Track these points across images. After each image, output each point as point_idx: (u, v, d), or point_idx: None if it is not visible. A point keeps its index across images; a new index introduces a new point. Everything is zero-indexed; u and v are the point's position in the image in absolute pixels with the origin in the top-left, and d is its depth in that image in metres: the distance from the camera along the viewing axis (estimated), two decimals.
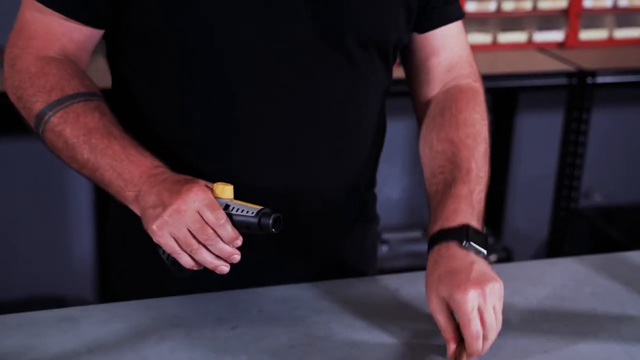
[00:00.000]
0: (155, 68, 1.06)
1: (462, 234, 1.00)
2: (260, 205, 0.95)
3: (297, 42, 1.04)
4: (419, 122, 1.18)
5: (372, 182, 1.22)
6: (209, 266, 0.95)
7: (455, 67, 1.16)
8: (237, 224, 0.95)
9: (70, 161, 1.03)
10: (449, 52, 1.16)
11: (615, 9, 2.56)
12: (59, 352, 0.97)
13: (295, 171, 1.07)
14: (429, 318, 1.06)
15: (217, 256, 0.95)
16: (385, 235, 2.50)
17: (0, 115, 2.23)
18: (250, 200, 0.96)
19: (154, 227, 0.94)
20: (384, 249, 2.46)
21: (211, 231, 0.93)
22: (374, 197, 1.24)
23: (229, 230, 0.93)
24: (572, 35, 2.52)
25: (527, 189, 2.75)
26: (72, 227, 2.43)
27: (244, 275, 1.13)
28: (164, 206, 0.94)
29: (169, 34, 1.03)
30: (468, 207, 1.03)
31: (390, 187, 2.64)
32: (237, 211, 0.95)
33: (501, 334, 1.03)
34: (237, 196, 0.97)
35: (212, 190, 0.95)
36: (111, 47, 1.11)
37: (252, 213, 0.94)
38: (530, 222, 2.76)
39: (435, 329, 1.04)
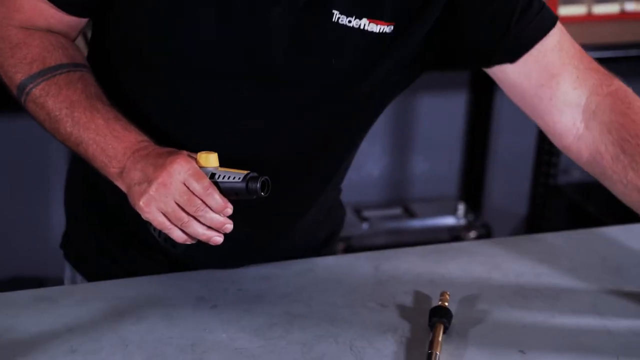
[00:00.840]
0: (140, 70, 1.04)
1: None
2: (247, 170, 0.93)
3: (278, 78, 1.00)
4: (579, 161, 1.06)
5: (336, 193, 1.21)
6: (202, 238, 0.93)
7: (582, 80, 1.02)
8: (225, 192, 0.93)
9: (54, 133, 1.02)
10: (561, 66, 1.01)
11: None
12: (37, 333, 0.97)
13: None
14: (409, 294, 1.07)
15: (209, 227, 0.92)
16: (366, 213, 2.51)
17: None
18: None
19: (141, 203, 0.92)
20: (364, 226, 2.47)
21: (199, 202, 0.91)
22: (337, 195, 1.22)
23: (217, 199, 0.91)
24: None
25: (506, 165, 2.76)
26: (50, 207, 2.41)
27: (218, 259, 1.12)
28: (149, 181, 0.92)
29: (157, 47, 1.00)
30: None
31: (370, 165, 2.64)
32: (223, 178, 0.93)
33: (480, 309, 1.04)
34: (222, 164, 0.95)
35: (196, 160, 0.93)
36: (96, 32, 1.09)
37: (239, 178, 0.92)
38: (510, 198, 2.78)
39: (414, 306, 1.05)
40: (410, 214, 2.57)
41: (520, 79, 1.02)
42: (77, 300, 1.04)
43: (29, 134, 2.32)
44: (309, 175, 1.09)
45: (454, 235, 2.51)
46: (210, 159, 0.94)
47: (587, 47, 2.60)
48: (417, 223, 2.54)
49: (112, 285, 1.08)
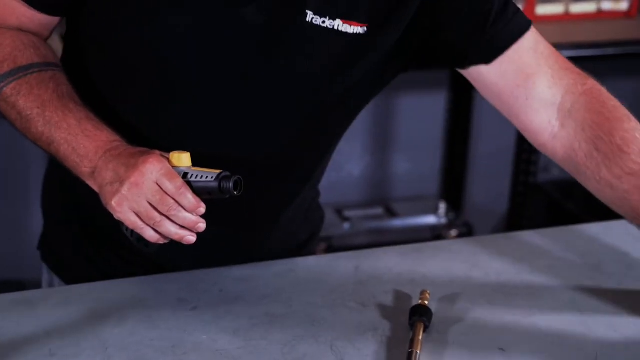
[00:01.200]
0: (111, 73, 1.04)
1: None
2: (220, 169, 0.93)
3: (250, 77, 1.00)
4: (555, 158, 1.06)
5: (310, 201, 1.20)
6: (175, 237, 0.92)
7: (557, 79, 1.03)
8: (197, 191, 0.92)
9: (25, 132, 1.01)
10: (537, 66, 1.02)
11: None
12: (16, 336, 0.96)
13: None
14: (389, 294, 1.07)
15: (182, 227, 0.92)
16: (347, 213, 2.51)
17: None
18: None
19: (113, 203, 0.92)
20: (345, 226, 2.47)
21: (172, 201, 0.90)
22: (315, 198, 1.22)
23: (189, 199, 0.91)
24: (529, 10, 2.54)
25: (486, 164, 2.77)
26: (29, 210, 2.40)
27: (193, 260, 1.11)
28: (121, 181, 0.91)
29: (129, 42, 1.00)
30: None
31: (351, 164, 2.64)
32: (196, 178, 0.92)
33: (460, 307, 1.05)
34: (195, 163, 0.94)
35: (168, 160, 0.93)
36: (70, 28, 1.08)
37: (212, 178, 0.92)
38: (490, 197, 2.79)
39: (395, 305, 1.05)
40: (391, 213, 2.58)
41: (496, 80, 1.03)
42: (56, 303, 1.03)
43: (5, 136, 2.30)
44: (285, 176, 1.09)
45: (435, 234, 2.51)
46: (182, 159, 0.93)
47: (565, 46, 2.62)
48: (398, 222, 2.54)
49: (92, 287, 1.07)
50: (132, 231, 0.94)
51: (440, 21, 1.01)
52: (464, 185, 2.77)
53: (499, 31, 1.01)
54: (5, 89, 0.99)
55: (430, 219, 2.57)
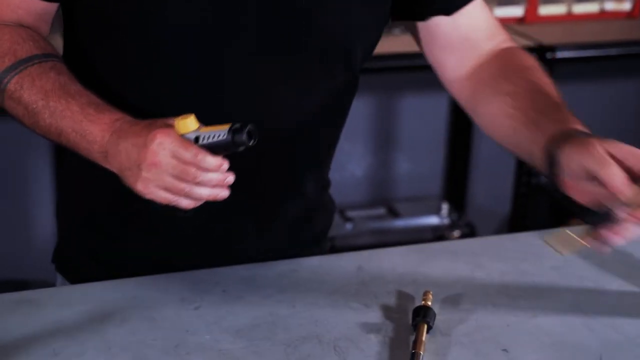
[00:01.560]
0: (113, 60, 1.04)
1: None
2: (228, 123, 0.91)
3: (262, 45, 1.01)
4: (461, 95, 1.15)
5: (323, 181, 1.20)
6: (209, 199, 0.92)
7: (495, 35, 1.13)
8: (214, 151, 0.91)
9: (34, 127, 1.01)
10: (483, 24, 1.12)
11: None
12: (19, 336, 0.96)
13: (250, 164, 1.02)
14: (392, 294, 1.07)
15: (212, 186, 0.92)
16: (349, 213, 2.51)
17: None
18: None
19: (139, 188, 0.92)
20: (347, 226, 2.47)
21: (194, 169, 0.90)
22: (325, 188, 1.22)
23: (210, 161, 0.90)
24: (531, 10, 2.54)
25: (489, 164, 2.77)
26: (34, 209, 2.40)
27: (200, 256, 1.12)
28: (138, 165, 0.91)
29: (128, 27, 1.00)
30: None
31: (353, 164, 2.64)
32: (208, 139, 0.91)
33: (463, 308, 1.05)
34: (201, 121, 0.93)
35: (175, 127, 0.92)
36: (67, 20, 1.08)
37: (224, 134, 0.90)
38: (493, 197, 2.79)
39: (398, 306, 1.05)
40: (394, 213, 2.58)
41: (449, 31, 1.10)
42: (60, 303, 1.03)
43: (10, 137, 2.30)
44: (293, 151, 1.09)
45: (437, 234, 2.52)
46: (188, 124, 0.91)
47: (567, 47, 2.63)
48: (400, 223, 2.54)
49: (95, 287, 1.07)
50: (164, 204, 0.94)
51: None
52: (467, 186, 2.77)
53: None
54: (9, 84, 0.99)
55: (432, 220, 2.57)
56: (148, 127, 0.92)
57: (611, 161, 0.90)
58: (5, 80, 0.99)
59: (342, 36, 1.05)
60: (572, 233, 0.91)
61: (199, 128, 0.92)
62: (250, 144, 0.91)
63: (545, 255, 1.19)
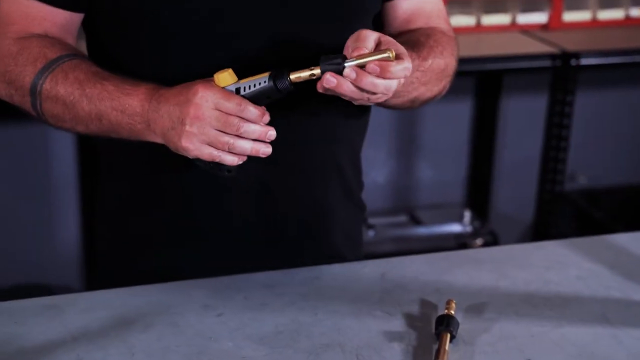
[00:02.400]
0: (131, 47, 1.05)
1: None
2: (267, 72, 0.93)
3: (274, 11, 1.02)
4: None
5: (357, 167, 1.21)
6: (252, 153, 0.94)
7: (431, 19, 1.15)
8: (256, 100, 0.93)
9: (76, 122, 1.02)
10: (429, 13, 1.15)
11: None
12: (43, 341, 0.97)
13: (276, 148, 1.04)
14: (415, 303, 1.06)
15: (255, 141, 0.94)
16: (371, 220, 2.50)
17: None
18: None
19: (183, 144, 0.93)
20: (370, 233, 2.47)
21: (237, 119, 0.92)
22: (360, 184, 1.24)
23: (252, 110, 0.92)
24: (555, 16, 2.52)
25: (512, 172, 2.75)
26: (58, 215, 2.42)
27: (229, 261, 1.13)
28: (181, 121, 0.93)
29: (138, 11, 1.02)
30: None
31: (376, 171, 2.63)
32: (249, 89, 0.93)
33: (487, 317, 1.04)
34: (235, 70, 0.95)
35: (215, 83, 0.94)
36: (89, 32, 1.10)
37: (265, 81, 0.93)
38: (516, 205, 2.77)
39: (421, 314, 1.04)
40: (416, 221, 2.57)
41: (409, 13, 1.14)
42: (84, 308, 1.03)
43: (36, 143, 2.32)
44: (319, 108, 1.08)
45: (460, 242, 2.50)
46: (227, 77, 0.94)
47: (592, 53, 2.61)
48: (422, 230, 2.53)
49: (119, 293, 1.07)
50: (208, 163, 0.96)
51: None
52: (489, 193, 2.75)
53: None
54: (44, 85, 1.01)
55: (455, 227, 2.56)
56: (187, 86, 0.94)
57: (367, 30, 0.95)
58: (40, 82, 1.01)
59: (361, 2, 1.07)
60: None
61: (238, 81, 0.93)
62: (293, 88, 0.93)
63: (570, 264, 1.18)
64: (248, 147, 0.94)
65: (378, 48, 0.94)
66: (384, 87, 0.93)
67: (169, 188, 1.10)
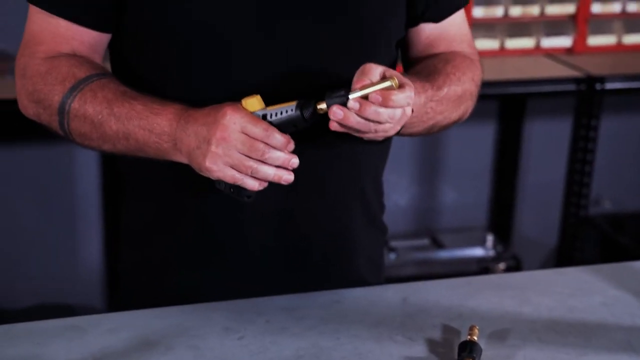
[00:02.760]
0: (156, 67, 1.06)
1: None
2: (294, 100, 0.95)
3: (294, 34, 1.03)
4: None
5: (378, 189, 1.21)
6: (274, 179, 0.95)
7: (454, 43, 1.16)
8: (282, 127, 0.94)
9: (103, 141, 1.03)
10: (453, 37, 1.16)
11: (624, 14, 2.55)
12: None
13: (299, 173, 1.06)
14: (438, 328, 1.05)
15: (278, 167, 0.95)
16: (393, 243, 2.49)
17: (8, 122, 2.24)
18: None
19: (207, 164, 0.94)
20: (391, 256, 2.45)
21: (262, 145, 0.93)
22: (381, 207, 1.23)
23: (278, 138, 0.93)
24: (580, 40, 2.51)
25: (535, 196, 2.73)
26: (81, 235, 2.43)
27: (250, 285, 1.12)
28: (208, 141, 0.94)
29: (161, 31, 1.03)
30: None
31: (398, 194, 2.63)
32: (276, 116, 0.94)
33: (510, 344, 1.03)
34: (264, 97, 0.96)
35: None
36: (114, 52, 1.11)
37: (292, 109, 0.94)
38: (540, 229, 2.75)
39: (443, 340, 1.03)
40: (438, 244, 2.56)
41: (433, 37, 1.15)
42: (106, 329, 1.04)
43: (60, 163, 2.34)
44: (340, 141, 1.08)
45: (482, 266, 2.48)
46: (255, 103, 0.95)
47: (617, 77, 2.59)
48: (445, 254, 2.52)
49: (140, 315, 1.08)
50: (231, 186, 0.96)
51: None
52: (513, 217, 2.73)
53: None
54: (72, 104, 1.02)
55: (477, 251, 2.54)
56: (216, 107, 0.95)
57: (372, 64, 0.97)
58: (69, 101, 1.02)
59: (380, 19, 1.07)
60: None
61: (265, 107, 0.94)
62: (319, 118, 0.94)
63: (595, 291, 1.16)
64: (271, 173, 0.94)
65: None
66: (388, 115, 0.94)
67: (191, 211, 1.11)
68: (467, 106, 1.13)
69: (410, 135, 1.11)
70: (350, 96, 0.94)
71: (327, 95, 0.95)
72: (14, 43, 2.27)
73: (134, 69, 1.09)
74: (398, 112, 0.95)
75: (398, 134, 1.03)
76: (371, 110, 0.93)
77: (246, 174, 0.94)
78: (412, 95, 0.95)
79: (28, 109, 1.07)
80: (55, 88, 1.03)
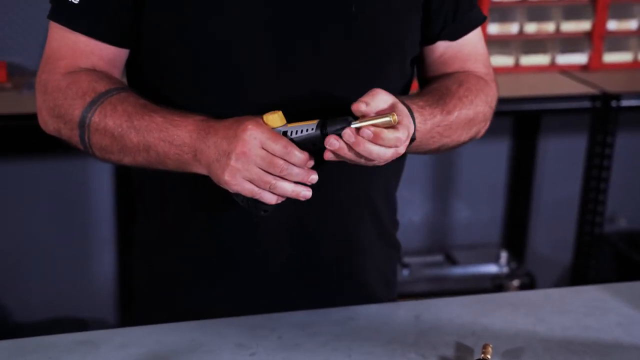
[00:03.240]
0: (173, 85, 1.07)
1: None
2: (315, 118, 0.95)
3: (308, 54, 1.04)
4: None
5: (391, 206, 1.21)
6: (292, 195, 0.95)
7: (468, 62, 1.16)
8: (302, 145, 0.95)
9: (123, 154, 1.04)
10: (467, 56, 1.16)
11: (639, 32, 2.54)
12: None
13: (313, 189, 1.05)
14: (451, 346, 1.05)
15: (296, 183, 0.95)
16: (406, 259, 2.49)
17: (23, 137, 2.26)
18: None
19: (226, 177, 0.95)
20: (404, 272, 2.45)
21: (282, 161, 0.93)
22: (395, 224, 1.23)
23: (298, 155, 0.94)
24: (595, 57, 2.51)
25: (550, 213, 2.72)
26: (95, 249, 2.44)
27: (263, 300, 1.12)
28: (228, 154, 0.94)
29: (179, 49, 1.04)
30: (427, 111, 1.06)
31: (411, 210, 2.62)
32: (297, 133, 0.95)
33: None
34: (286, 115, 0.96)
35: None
36: (130, 66, 1.12)
37: (312, 128, 0.94)
38: (554, 247, 2.73)
39: (456, 358, 1.02)
40: (451, 261, 2.54)
41: (447, 56, 1.15)
42: (118, 344, 1.04)
43: (73, 176, 2.35)
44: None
45: (496, 283, 2.47)
46: (276, 119, 0.95)
47: (633, 95, 2.57)
48: (458, 270, 2.51)
49: (153, 330, 1.08)
50: (248, 200, 0.97)
51: None
52: (527, 234, 2.72)
53: (465, 16, 1.15)
54: (93, 117, 1.03)
55: (491, 268, 2.53)
56: (238, 121, 0.96)
57: (381, 92, 0.97)
58: (89, 115, 1.03)
59: (394, 38, 1.08)
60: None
61: (286, 124, 0.95)
62: (340, 135, 0.94)
63: (610, 310, 1.15)
64: (289, 188, 0.95)
65: (385, 111, 0.96)
66: (377, 153, 0.94)
67: (205, 226, 1.11)
68: (478, 128, 1.13)
69: (417, 154, 1.12)
70: (352, 125, 0.94)
71: (328, 122, 0.95)
72: (30, 58, 2.30)
73: (150, 84, 1.10)
74: (389, 150, 0.95)
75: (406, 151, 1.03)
76: (363, 145, 0.94)
77: (264, 189, 0.95)
78: (402, 137, 0.95)
79: (49, 124, 1.08)
80: (75, 102, 1.04)
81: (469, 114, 1.10)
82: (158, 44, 1.06)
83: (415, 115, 1.03)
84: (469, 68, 1.16)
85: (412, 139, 1.02)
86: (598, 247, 2.48)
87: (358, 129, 0.94)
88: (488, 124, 1.15)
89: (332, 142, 0.94)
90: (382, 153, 0.95)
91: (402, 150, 0.97)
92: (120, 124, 1.02)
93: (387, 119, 0.94)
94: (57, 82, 1.06)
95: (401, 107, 0.98)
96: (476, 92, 1.12)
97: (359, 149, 0.94)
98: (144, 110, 1.02)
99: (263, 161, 0.93)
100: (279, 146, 0.93)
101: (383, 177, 1.16)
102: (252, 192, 0.95)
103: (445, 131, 1.08)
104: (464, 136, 1.11)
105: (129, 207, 2.34)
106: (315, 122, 0.95)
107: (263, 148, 0.93)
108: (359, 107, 0.95)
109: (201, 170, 0.99)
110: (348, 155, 0.95)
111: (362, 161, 0.96)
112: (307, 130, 0.95)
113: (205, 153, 0.97)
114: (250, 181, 0.94)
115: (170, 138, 0.99)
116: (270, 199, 0.95)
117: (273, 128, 0.95)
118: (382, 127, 0.94)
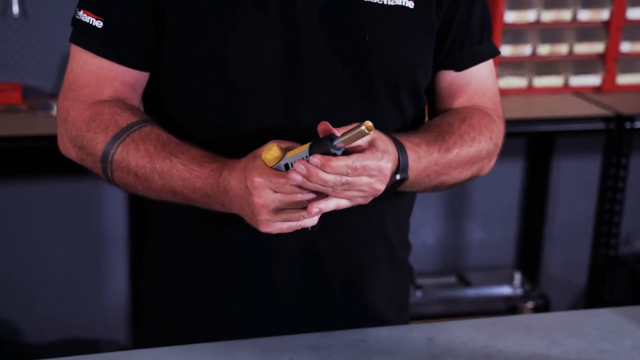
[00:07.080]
0: (183, 106, 1.08)
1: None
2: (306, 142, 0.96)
3: (318, 80, 1.05)
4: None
5: (404, 231, 1.20)
6: (328, 209, 0.97)
7: (475, 97, 1.15)
8: None
9: (148, 192, 1.05)
10: (474, 89, 1.14)
11: None
12: None
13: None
14: None
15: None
16: (419, 281, 2.47)
17: (37, 158, 2.27)
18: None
19: (264, 230, 0.98)
20: (417, 294, 2.43)
21: (299, 195, 0.96)
22: (406, 248, 1.22)
23: (305, 181, 0.95)
24: (609, 79, 2.50)
25: (564, 234, 2.70)
26: (107, 270, 2.44)
27: (274, 324, 1.12)
28: (252, 212, 0.97)
29: (192, 73, 1.05)
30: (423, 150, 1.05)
31: (424, 231, 2.61)
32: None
33: None
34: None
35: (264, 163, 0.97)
36: (146, 89, 1.13)
37: (306, 156, 0.95)
38: (568, 269, 2.71)
39: None
40: (465, 282, 2.53)
41: (454, 87, 1.14)
42: None
43: (85, 197, 2.36)
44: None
45: (510, 305, 2.45)
46: (274, 154, 0.96)
47: None
48: (472, 292, 2.49)
49: (164, 352, 1.07)
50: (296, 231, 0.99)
51: (453, 20, 1.11)
52: (541, 256, 2.70)
53: (474, 48, 1.14)
54: (115, 155, 1.04)
55: (504, 290, 2.51)
56: (244, 171, 0.97)
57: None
58: (112, 151, 1.04)
59: (407, 66, 1.08)
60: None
61: (285, 151, 0.97)
62: (333, 151, 0.95)
63: (625, 333, 1.14)
64: (322, 206, 0.96)
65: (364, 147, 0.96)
66: (332, 182, 0.95)
67: (216, 250, 1.11)
68: (481, 165, 1.12)
69: (414, 192, 1.12)
70: (335, 142, 0.95)
71: (313, 145, 0.96)
72: (44, 80, 2.32)
73: (162, 104, 1.10)
74: (342, 178, 0.94)
75: (400, 189, 1.05)
76: (316, 176, 0.94)
77: (300, 220, 0.97)
78: (353, 165, 0.94)
79: (70, 151, 1.09)
80: (97, 136, 1.05)
81: (471, 152, 1.09)
82: (173, 66, 1.07)
83: (409, 153, 1.03)
84: (476, 102, 1.14)
85: (404, 179, 1.02)
86: (613, 269, 2.46)
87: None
88: (493, 161, 1.14)
89: (295, 178, 0.94)
90: (337, 181, 0.94)
91: (378, 186, 0.96)
92: (143, 165, 1.03)
93: (360, 129, 0.94)
94: (79, 113, 1.06)
95: (380, 143, 0.98)
96: (480, 128, 1.11)
97: (312, 180, 0.94)
98: (164, 152, 1.03)
99: (282, 203, 0.96)
100: (289, 187, 0.95)
101: (395, 204, 1.16)
102: (290, 227, 0.98)
103: (443, 169, 1.07)
104: (464, 174, 1.10)
105: (142, 228, 2.34)
106: (306, 147, 0.96)
107: (276, 192, 0.96)
108: (325, 126, 0.96)
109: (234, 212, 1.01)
110: (310, 186, 0.95)
111: (320, 189, 0.95)
112: (305, 157, 0.96)
113: (232, 207, 1.00)
114: (284, 220, 0.97)
115: (192, 188, 1.02)
116: (311, 222, 0.98)
117: (274, 166, 0.96)
118: (357, 139, 0.94)
